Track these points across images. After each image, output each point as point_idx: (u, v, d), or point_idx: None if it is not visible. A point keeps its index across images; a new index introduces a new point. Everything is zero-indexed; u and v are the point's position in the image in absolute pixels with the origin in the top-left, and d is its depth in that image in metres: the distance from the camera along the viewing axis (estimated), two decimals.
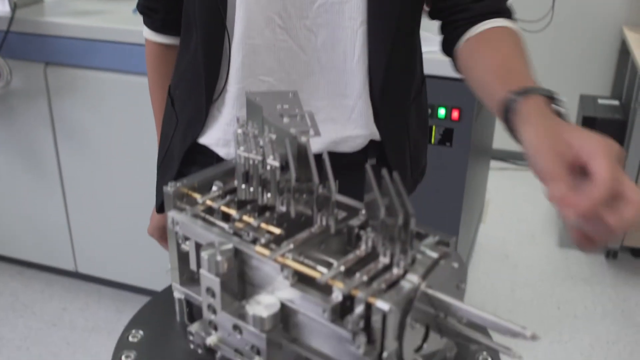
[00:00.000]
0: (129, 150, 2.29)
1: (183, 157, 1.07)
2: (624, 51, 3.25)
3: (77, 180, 2.42)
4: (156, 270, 2.44)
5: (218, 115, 1.03)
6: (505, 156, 3.65)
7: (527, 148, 0.69)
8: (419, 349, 0.66)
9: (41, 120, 2.34)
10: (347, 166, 0.93)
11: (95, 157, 2.35)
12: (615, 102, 3.10)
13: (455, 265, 0.67)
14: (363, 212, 0.74)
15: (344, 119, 1.02)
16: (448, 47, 1.01)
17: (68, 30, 2.17)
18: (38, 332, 2.42)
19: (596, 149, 0.64)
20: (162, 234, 1.29)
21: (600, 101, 3.05)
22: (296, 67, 0.99)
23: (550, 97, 0.76)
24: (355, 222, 0.73)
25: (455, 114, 1.95)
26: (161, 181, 1.15)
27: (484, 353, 0.80)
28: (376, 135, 1.05)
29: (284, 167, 0.69)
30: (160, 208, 1.16)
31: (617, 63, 3.42)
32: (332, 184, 0.65)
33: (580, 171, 0.65)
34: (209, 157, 1.06)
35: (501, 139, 3.38)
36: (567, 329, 2.50)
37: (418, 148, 1.16)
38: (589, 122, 2.85)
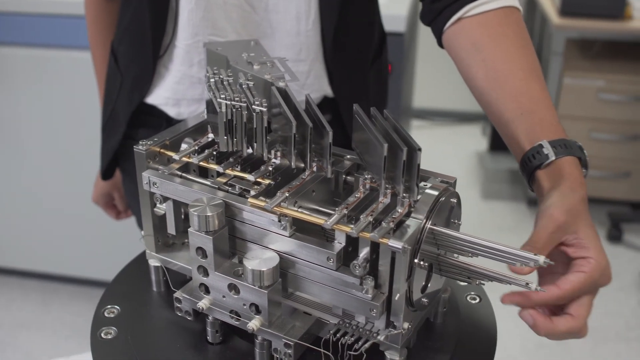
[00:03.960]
0: (40, 129, 2.15)
1: (129, 119, 1.00)
2: (531, 4, 3.35)
3: None
4: (84, 256, 2.34)
5: (165, 73, 0.96)
6: (423, 114, 3.70)
7: (543, 209, 0.69)
8: (423, 289, 0.64)
9: None
10: None
11: (5, 138, 2.19)
12: None
13: (454, 201, 0.65)
14: (348, 157, 0.71)
15: (298, 85, 0.97)
16: (432, 20, 0.86)
17: None
18: None
19: (589, 266, 0.65)
20: (107, 200, 1.22)
21: None
22: (247, 28, 0.93)
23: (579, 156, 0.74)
24: (339, 168, 0.70)
25: None
26: (106, 145, 1.07)
27: (472, 293, 0.79)
28: (330, 93, 1.01)
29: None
30: (106, 173, 1.08)
31: (524, 16, 3.50)
32: (327, 125, 0.61)
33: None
34: (158, 117, 0.99)
35: (419, 97, 3.43)
36: None
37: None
38: None
